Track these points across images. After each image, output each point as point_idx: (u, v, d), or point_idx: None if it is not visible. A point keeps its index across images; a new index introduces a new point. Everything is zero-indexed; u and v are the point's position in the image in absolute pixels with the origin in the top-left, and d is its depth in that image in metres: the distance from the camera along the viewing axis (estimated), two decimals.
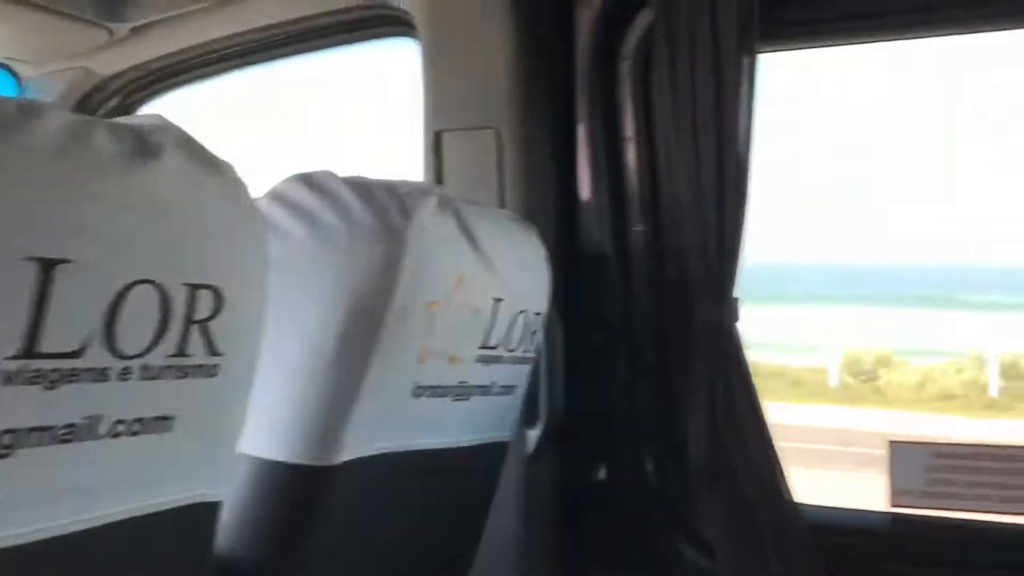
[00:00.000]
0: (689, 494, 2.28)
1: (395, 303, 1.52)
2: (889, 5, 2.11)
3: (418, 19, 2.29)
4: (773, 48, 2.21)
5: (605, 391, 2.37)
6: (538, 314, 1.97)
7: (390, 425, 1.60)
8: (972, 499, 2.14)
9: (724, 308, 2.20)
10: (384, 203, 1.52)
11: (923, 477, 2.17)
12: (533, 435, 2.26)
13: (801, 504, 2.22)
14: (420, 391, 1.65)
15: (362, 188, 1.53)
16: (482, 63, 2.23)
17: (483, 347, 1.78)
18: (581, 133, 2.34)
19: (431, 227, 1.56)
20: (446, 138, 2.29)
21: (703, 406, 2.22)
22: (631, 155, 2.35)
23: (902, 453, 2.19)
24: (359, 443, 1.53)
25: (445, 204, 1.61)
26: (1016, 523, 2.12)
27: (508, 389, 1.94)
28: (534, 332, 1.97)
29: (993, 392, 14.64)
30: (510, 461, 2.10)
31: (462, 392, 1.77)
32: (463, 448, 1.85)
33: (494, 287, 1.75)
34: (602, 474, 2.41)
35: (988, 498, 2.12)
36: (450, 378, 1.72)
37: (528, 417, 2.23)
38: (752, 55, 2.11)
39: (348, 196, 1.52)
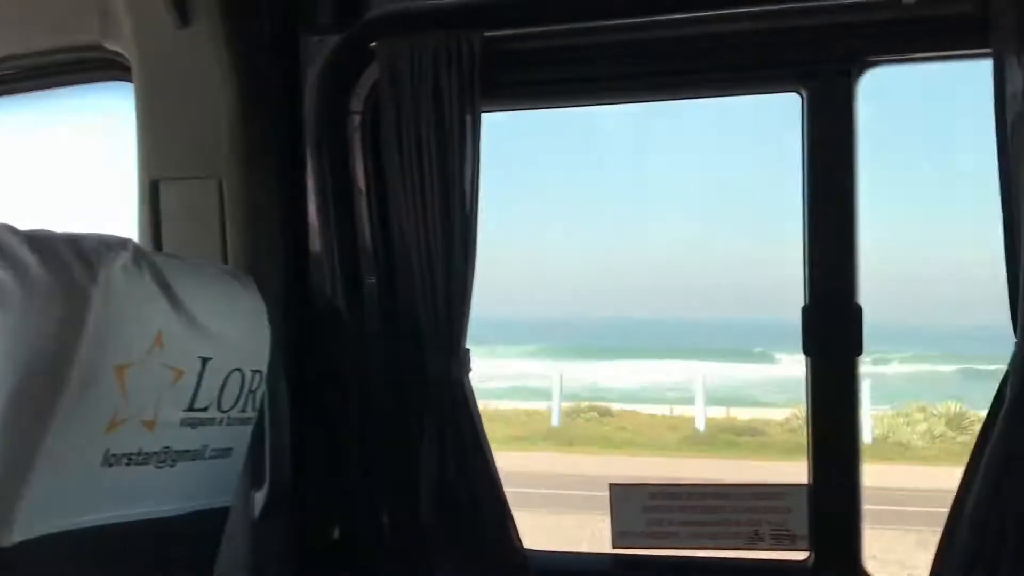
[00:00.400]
0: (423, 546, 2.27)
1: (78, 366, 1.41)
2: (606, 70, 2.23)
3: (133, 63, 2.18)
4: (497, 108, 2.28)
5: (338, 448, 2.31)
6: (257, 372, 1.89)
7: (76, 499, 1.47)
8: (688, 537, 2.25)
9: (454, 361, 2.22)
10: (66, 259, 1.42)
11: (642, 518, 2.26)
12: (260, 498, 2.17)
13: (529, 551, 2.26)
14: (113, 460, 1.53)
15: (42, 243, 1.42)
16: (202, 110, 2.15)
17: (189, 409, 1.69)
18: (311, 185, 2.30)
19: (122, 284, 1.47)
20: (164, 187, 2.18)
21: (435, 459, 2.23)
22: (363, 208, 2.34)
23: (621, 495, 2.27)
24: (35, 521, 1.40)
25: (140, 258, 1.52)
26: (727, 557, 2.25)
27: (224, 452, 1.85)
28: (253, 391, 1.89)
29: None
30: (235, 527, 2.01)
31: (166, 458, 1.67)
32: (171, 518, 1.74)
33: (200, 345, 1.67)
34: (336, 533, 2.35)
35: (702, 535, 2.24)
36: (150, 444, 1.62)
37: (254, 480, 2.15)
38: (475, 114, 2.16)
39: (24, 252, 1.41)
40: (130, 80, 2.22)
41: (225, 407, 1.80)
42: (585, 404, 18.05)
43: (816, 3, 2.02)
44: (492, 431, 2.25)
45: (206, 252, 2.15)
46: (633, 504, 2.27)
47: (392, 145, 2.20)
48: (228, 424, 1.83)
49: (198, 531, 1.86)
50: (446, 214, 2.17)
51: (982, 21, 1.89)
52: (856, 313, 2.10)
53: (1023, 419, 1.88)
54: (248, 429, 1.92)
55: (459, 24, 2.14)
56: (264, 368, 1.92)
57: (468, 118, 2.16)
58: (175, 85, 2.15)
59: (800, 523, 2.17)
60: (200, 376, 1.69)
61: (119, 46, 2.19)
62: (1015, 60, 1.86)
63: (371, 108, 2.29)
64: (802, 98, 2.10)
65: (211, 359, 1.71)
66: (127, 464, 1.57)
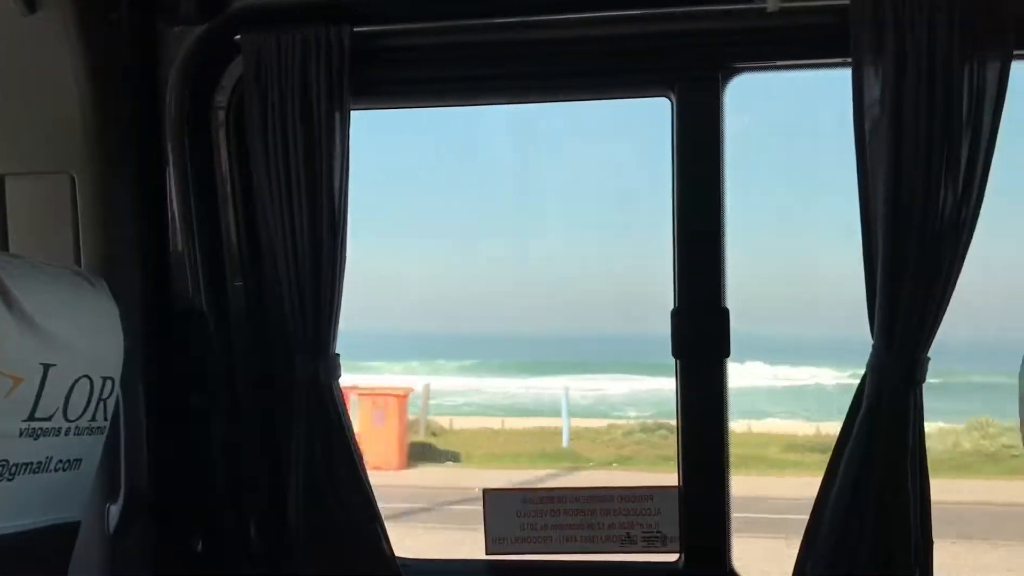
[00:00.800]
0: (291, 555, 2.20)
1: None
2: (477, 71, 2.20)
3: None
4: (367, 105, 2.22)
5: (202, 456, 2.22)
6: (109, 379, 1.80)
7: None
8: (561, 541, 2.24)
9: (323, 365, 2.15)
10: None
11: (516, 523, 2.24)
12: (115, 511, 2.06)
13: (402, 559, 2.22)
14: None
15: None
16: (53, 102, 2.03)
17: (30, 419, 1.59)
18: (172, 183, 2.20)
19: None
20: (11, 183, 2.05)
21: (303, 464, 2.16)
22: (228, 207, 2.25)
23: (495, 501, 2.25)
24: None
25: None
26: (600, 560, 2.26)
27: (72, 464, 1.75)
28: (104, 399, 1.79)
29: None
30: (88, 542, 1.90)
31: (3, 472, 1.56)
32: (13, 535, 1.63)
33: (42, 351, 1.57)
34: (200, 544, 2.26)
35: (575, 539, 2.24)
36: None
37: (109, 492, 2.04)
38: (344, 111, 2.10)
39: None
40: None
41: (72, 416, 1.70)
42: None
43: (685, 9, 2.04)
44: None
45: (57, 252, 2.03)
46: (507, 510, 2.25)
47: (258, 142, 2.12)
48: (76, 434, 1.73)
49: (44, 549, 1.75)
50: (314, 214, 2.10)
51: (843, 31, 1.94)
52: (723, 316, 2.13)
53: (880, 419, 1.94)
54: (100, 439, 1.82)
55: (328, 18, 2.08)
56: (117, 375, 1.82)
57: (337, 115, 2.10)
58: (23, 75, 2.03)
59: (671, 525, 2.19)
60: (42, 383, 1.59)
61: None
62: (872, 70, 1.92)
63: (236, 103, 2.20)
64: (671, 102, 2.12)
65: (54, 365, 1.61)
66: None
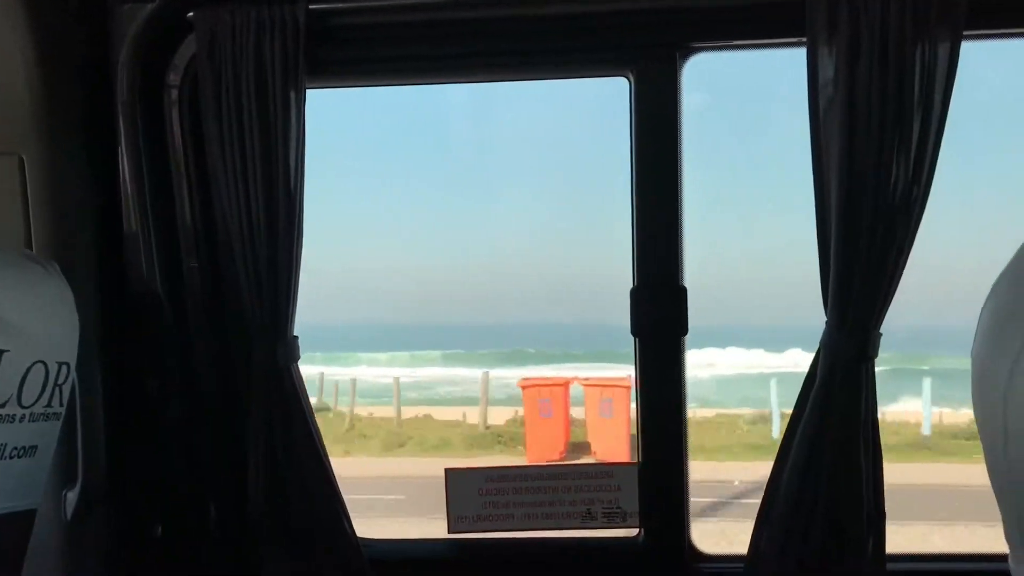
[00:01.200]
0: (253, 539, 2.19)
1: None
2: (434, 49, 2.18)
3: None
4: (323, 84, 2.20)
5: (160, 440, 2.20)
6: (64, 364, 1.77)
7: None
8: (523, 519, 2.26)
9: (282, 348, 2.14)
10: None
11: (478, 501, 2.26)
12: (72, 497, 2.04)
13: (364, 539, 2.22)
14: None
15: None
16: (1, 78, 1.99)
17: None
18: (125, 164, 2.16)
19: None
20: None
21: (262, 448, 2.15)
22: (183, 188, 2.22)
23: (457, 480, 2.26)
24: None
25: None
26: (561, 536, 2.28)
27: (26, 451, 1.72)
28: (60, 384, 1.77)
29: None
30: (44, 530, 1.87)
31: None
32: None
33: None
34: (159, 530, 2.24)
35: (536, 516, 2.26)
36: None
37: (66, 479, 2.01)
38: (299, 90, 2.08)
39: None
40: None
41: (27, 403, 1.67)
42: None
43: None
44: None
45: (7, 235, 1.99)
46: (469, 488, 2.26)
47: (212, 121, 2.09)
48: (31, 420, 1.70)
49: (1, 536, 1.72)
50: (269, 194, 2.08)
51: (798, 11, 1.95)
52: (681, 294, 2.15)
53: (833, 395, 1.97)
54: (56, 425, 1.79)
55: None
56: (72, 360, 1.79)
57: (292, 94, 2.07)
58: None
59: (631, 501, 2.22)
60: None
61: None
62: (826, 49, 1.94)
63: (190, 82, 2.17)
64: (629, 82, 2.12)
65: (7, 351, 1.58)
66: None
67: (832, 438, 1.99)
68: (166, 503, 2.24)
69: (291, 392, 2.15)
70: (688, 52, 2.10)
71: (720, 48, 2.15)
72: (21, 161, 2.00)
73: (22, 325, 1.62)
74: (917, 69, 1.90)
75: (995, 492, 0.97)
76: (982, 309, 0.98)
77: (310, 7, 2.05)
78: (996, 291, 0.97)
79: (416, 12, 2.11)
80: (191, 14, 2.09)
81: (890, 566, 2.04)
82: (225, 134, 2.08)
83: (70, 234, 2.08)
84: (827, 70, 1.95)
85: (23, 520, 1.77)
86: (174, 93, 2.19)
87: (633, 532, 2.24)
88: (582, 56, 2.15)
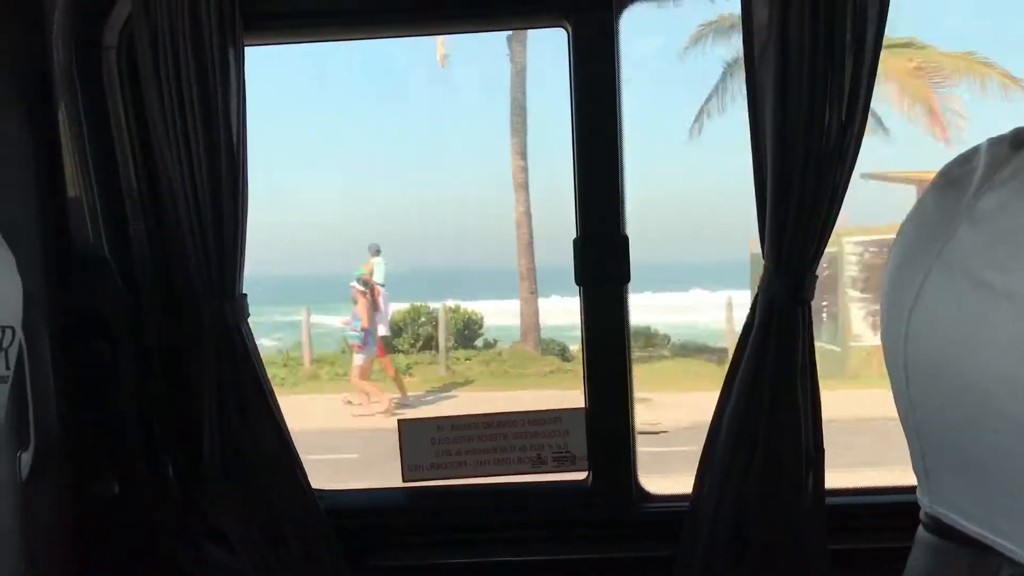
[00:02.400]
0: (210, 495, 2.23)
1: None
2: (372, 4, 2.18)
3: None
4: (261, 41, 2.19)
5: (112, 401, 2.22)
6: (8, 328, 1.78)
7: None
8: (475, 465, 2.31)
9: (229, 305, 2.16)
10: None
11: (430, 450, 2.30)
12: (26, 458, 2.06)
13: (319, 491, 2.27)
14: None
15: None
16: None
17: None
18: (65, 126, 2.16)
19: None
20: None
21: (215, 406, 2.18)
22: (125, 149, 2.22)
23: (409, 429, 2.31)
24: None
25: None
26: (513, 481, 2.33)
27: None
28: (5, 348, 1.78)
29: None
30: (0, 491, 1.90)
31: None
32: None
33: None
34: (116, 488, 2.28)
35: (488, 463, 2.31)
36: None
37: (20, 441, 2.03)
38: (237, 47, 2.07)
39: None
40: None
41: None
42: None
43: None
44: None
45: None
46: (421, 438, 2.30)
47: (150, 82, 2.08)
48: None
49: None
50: (211, 153, 2.08)
51: None
52: (623, 243, 2.18)
53: (770, 337, 2.02)
54: (3, 389, 1.81)
55: None
56: (17, 324, 1.80)
57: (231, 51, 2.07)
58: None
59: (579, 445, 2.27)
60: None
61: None
62: None
63: (127, 42, 2.15)
64: (567, 32, 2.13)
65: None
66: None
67: (771, 379, 2.04)
68: (122, 461, 2.27)
69: (241, 349, 2.17)
70: (625, 2, 2.11)
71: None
72: None
73: None
74: (848, 11, 1.92)
75: (902, 427, 1.01)
76: (891, 248, 1.02)
77: None
78: (903, 231, 1.00)
79: None
80: None
81: (829, 500, 2.12)
82: (164, 94, 2.07)
83: (11, 199, 2.07)
84: (761, 15, 1.97)
85: None
86: (112, 53, 2.17)
87: (582, 475, 2.30)
88: (520, 7, 2.15)
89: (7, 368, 1.81)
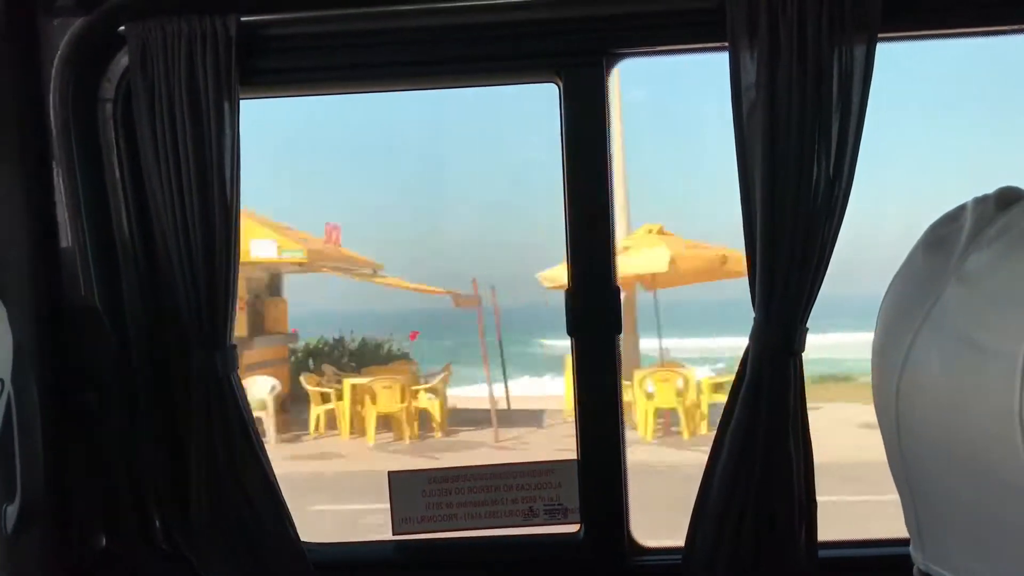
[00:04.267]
0: (197, 548, 2.21)
1: None
2: (366, 58, 2.21)
3: None
4: (257, 95, 2.22)
5: (100, 452, 2.21)
6: None
7: None
8: (466, 518, 2.29)
9: (220, 356, 2.16)
10: None
11: (421, 503, 2.29)
12: (12, 511, 2.04)
13: (307, 544, 2.25)
14: None
15: None
16: None
17: None
18: (60, 178, 2.17)
19: None
20: None
21: (203, 457, 2.16)
22: (119, 201, 2.23)
23: (400, 482, 2.29)
24: None
25: None
26: (504, 535, 2.32)
27: None
28: None
29: None
30: None
31: None
32: None
33: None
34: (103, 541, 2.25)
35: (479, 515, 2.29)
36: None
37: (6, 493, 2.01)
38: (233, 100, 2.10)
39: None
40: None
41: None
42: None
43: None
44: None
45: None
46: (412, 490, 2.29)
47: (146, 135, 2.10)
48: None
49: None
50: (205, 205, 2.10)
51: (719, 16, 2.01)
52: (614, 294, 2.20)
53: (762, 388, 2.03)
54: None
55: (214, 7, 2.07)
56: (7, 375, 1.80)
57: (226, 104, 2.09)
58: None
59: (571, 497, 2.26)
60: None
61: None
62: (748, 54, 2.00)
63: (123, 96, 2.17)
64: (558, 87, 2.16)
65: None
66: None
67: (762, 431, 2.05)
68: (109, 515, 2.25)
69: (231, 400, 2.17)
70: (614, 58, 2.15)
71: (645, 54, 2.20)
72: None
73: None
74: (835, 71, 1.97)
75: (895, 482, 1.02)
76: (880, 305, 1.03)
77: (241, 19, 2.07)
78: (892, 289, 1.02)
79: (346, 22, 2.13)
80: (122, 28, 2.10)
81: (822, 553, 2.11)
82: (160, 147, 2.10)
83: (5, 251, 2.08)
84: (749, 74, 2.01)
85: None
86: (108, 107, 2.19)
87: (574, 528, 2.28)
88: (511, 64, 2.19)
89: None
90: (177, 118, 2.08)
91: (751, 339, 2.05)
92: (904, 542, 1.02)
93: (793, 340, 2.03)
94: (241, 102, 2.12)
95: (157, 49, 2.07)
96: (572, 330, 2.22)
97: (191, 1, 2.09)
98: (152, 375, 2.26)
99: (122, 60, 2.15)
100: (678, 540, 2.18)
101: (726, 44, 2.02)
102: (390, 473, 2.30)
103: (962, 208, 0.97)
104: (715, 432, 2.12)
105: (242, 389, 2.20)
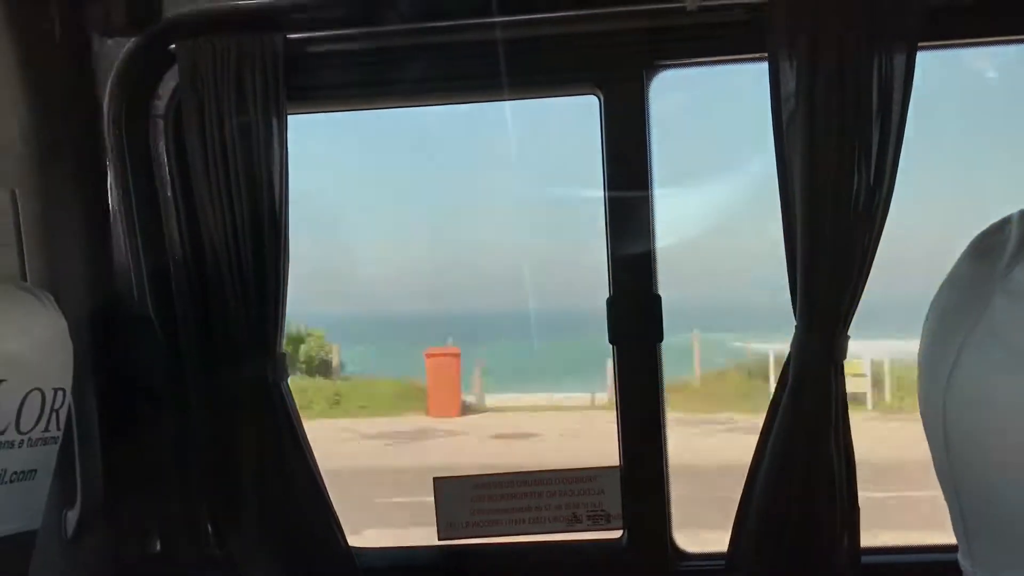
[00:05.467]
0: (248, 552, 2.26)
1: None
2: (410, 73, 2.25)
3: None
4: (304, 110, 2.27)
5: (154, 459, 2.27)
6: (60, 390, 1.83)
7: None
8: (510, 524, 2.33)
9: (270, 364, 2.21)
10: None
11: (466, 508, 2.32)
12: (72, 517, 2.11)
13: (355, 548, 2.29)
14: None
15: None
16: None
17: None
18: (113, 192, 2.24)
19: None
20: None
21: (255, 464, 2.22)
22: (170, 214, 2.29)
23: (446, 488, 2.33)
24: None
25: None
26: (548, 540, 2.34)
27: (26, 475, 1.78)
28: (57, 410, 1.83)
29: None
30: (46, 550, 1.94)
31: None
32: None
33: None
34: (157, 546, 2.31)
35: (523, 521, 2.33)
36: None
37: (65, 499, 2.08)
38: (281, 116, 2.15)
39: None
40: None
41: (24, 429, 1.74)
42: None
43: (609, 9, 2.12)
44: None
45: (1, 268, 2.06)
46: (457, 496, 2.32)
47: (196, 150, 2.16)
48: (29, 446, 1.77)
49: (4, 558, 1.79)
50: (255, 218, 2.15)
51: (759, 27, 2.03)
52: (656, 302, 2.22)
53: (804, 396, 2.05)
54: (54, 449, 1.86)
55: (261, 26, 2.12)
56: (68, 385, 1.86)
57: (274, 121, 2.14)
58: None
59: (614, 503, 2.29)
60: None
61: None
62: (788, 64, 2.01)
63: (174, 112, 2.24)
64: (599, 100, 2.19)
65: (4, 381, 1.65)
66: None
67: (804, 438, 2.06)
68: (163, 519, 2.30)
69: (281, 407, 2.22)
70: (654, 70, 2.18)
71: (685, 66, 2.22)
72: (14, 195, 2.06)
73: (19, 355, 1.69)
74: (875, 79, 1.98)
75: (942, 490, 1.03)
76: (927, 313, 1.05)
77: (288, 36, 2.12)
78: (939, 297, 1.04)
79: (390, 38, 2.18)
80: (173, 46, 2.16)
81: (865, 558, 2.12)
82: (210, 162, 2.15)
83: (63, 264, 2.14)
84: (788, 84, 2.02)
85: (25, 541, 1.84)
86: (159, 123, 2.26)
87: (617, 534, 2.31)
88: (552, 77, 2.22)
89: (58, 428, 1.86)
90: (227, 133, 2.13)
91: (792, 347, 2.07)
92: (950, 548, 1.04)
93: (835, 348, 2.04)
94: (288, 117, 2.17)
95: (207, 67, 2.12)
96: (613, 339, 2.24)
97: (239, 20, 2.15)
98: (204, 383, 2.31)
99: (173, 78, 2.21)
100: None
101: (765, 55, 2.04)
102: (435, 479, 2.34)
103: (1007, 220, 0.98)
104: (757, 439, 2.13)
105: (291, 396, 2.25)
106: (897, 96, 1.99)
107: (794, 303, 2.06)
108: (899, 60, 1.99)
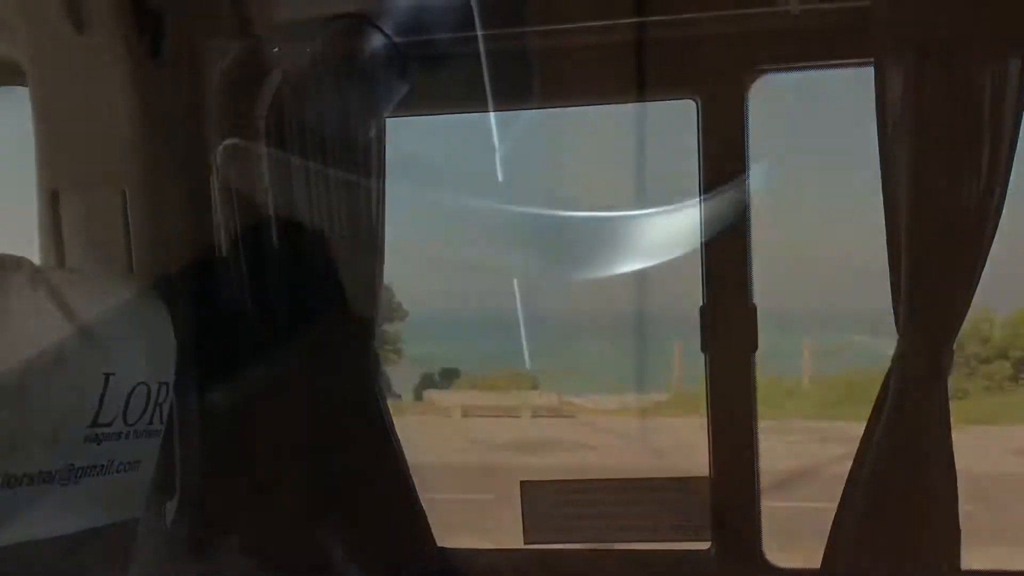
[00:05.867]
0: (336, 549, 2.29)
1: None
2: (508, 76, 2.24)
3: (28, 69, 2.13)
4: (403, 114, 2.30)
5: (250, 452, 2.32)
6: (164, 384, 1.88)
7: None
8: (597, 530, 2.31)
9: (365, 360, 2.25)
10: None
11: (553, 513, 2.32)
12: (171, 508, 2.16)
13: (443, 548, 2.31)
14: (14, 480, 1.52)
15: None
16: (102, 117, 2.11)
17: (93, 425, 1.68)
18: (216, 191, 2.29)
19: (17, 307, 1.45)
20: (64, 197, 2.14)
21: (345, 460, 2.25)
22: (272, 212, 2.34)
23: (533, 491, 2.33)
24: None
25: (36, 278, 1.50)
26: (634, 548, 2.32)
27: (131, 465, 1.84)
28: (160, 403, 1.88)
29: None
30: (147, 540, 1.99)
31: (69, 475, 1.65)
32: (79, 534, 1.73)
33: (102, 362, 1.66)
34: (251, 539, 2.36)
35: (610, 528, 2.31)
36: (53, 462, 1.60)
37: (164, 490, 2.14)
38: (379, 119, 2.18)
39: None
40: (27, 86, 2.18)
41: (131, 421, 1.79)
42: None
43: (710, 14, 2.09)
44: None
45: (111, 262, 2.12)
46: (544, 500, 2.32)
47: (297, 149, 2.20)
48: (135, 437, 1.82)
49: (107, 546, 1.84)
50: (353, 219, 2.19)
51: (865, 31, 1.97)
52: (751, 312, 2.18)
53: (906, 411, 1.99)
54: (156, 441, 1.91)
55: (362, 30, 2.15)
56: (171, 379, 1.91)
57: (372, 123, 2.18)
58: (73, 92, 2.11)
59: (702, 514, 2.25)
60: (103, 392, 1.68)
61: (14, 52, 2.14)
62: (894, 69, 1.96)
63: (275, 114, 2.28)
64: (697, 105, 2.16)
65: (114, 374, 1.70)
66: (29, 484, 1.56)
67: (904, 455, 2.00)
68: (256, 512, 2.35)
69: (373, 405, 2.25)
70: (756, 74, 2.14)
71: (786, 70, 2.18)
72: (124, 195, 2.13)
73: (127, 349, 1.74)
74: (987, 86, 1.91)
75: None
76: None
77: (391, 40, 2.15)
78: None
79: (491, 42, 2.18)
80: (276, 50, 2.20)
81: None
82: (309, 163, 2.19)
83: (168, 261, 2.20)
84: (895, 88, 1.97)
85: (127, 529, 1.89)
86: (261, 124, 2.30)
87: (705, 545, 2.27)
88: (651, 81, 2.20)
89: (161, 422, 1.91)
90: (327, 136, 2.17)
91: (894, 361, 2.01)
92: None
93: (940, 363, 1.98)
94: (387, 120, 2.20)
95: (307, 70, 2.16)
96: (704, 347, 2.21)
97: (341, 25, 2.18)
98: (303, 380, 2.35)
99: (275, 80, 2.26)
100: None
101: (870, 59, 1.98)
102: (523, 482, 2.34)
103: None
104: (854, 454, 2.08)
105: (383, 393, 2.28)
106: (1011, 103, 1.92)
107: (896, 315, 2.00)
108: (1013, 65, 1.91)
